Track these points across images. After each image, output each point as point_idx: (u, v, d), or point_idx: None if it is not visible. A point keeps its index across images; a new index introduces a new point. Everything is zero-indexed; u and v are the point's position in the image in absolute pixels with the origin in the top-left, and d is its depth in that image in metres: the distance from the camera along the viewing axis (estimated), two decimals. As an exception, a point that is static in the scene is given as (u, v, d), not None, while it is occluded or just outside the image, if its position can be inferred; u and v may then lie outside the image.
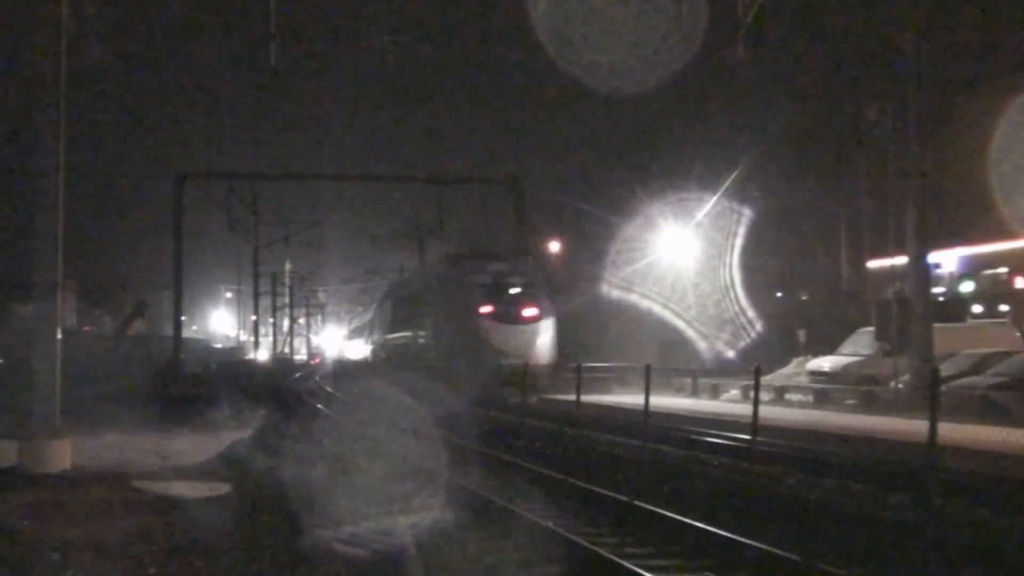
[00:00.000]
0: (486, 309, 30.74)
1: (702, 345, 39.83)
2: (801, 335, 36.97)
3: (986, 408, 21.74)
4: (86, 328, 57.47)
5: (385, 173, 50.73)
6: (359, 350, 57.91)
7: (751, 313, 40.23)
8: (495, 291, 31.09)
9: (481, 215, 59.80)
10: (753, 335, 39.89)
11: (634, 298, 43.57)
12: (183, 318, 51.10)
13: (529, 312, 31.07)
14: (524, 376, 23.95)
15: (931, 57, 26.26)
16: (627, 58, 31.06)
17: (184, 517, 10.80)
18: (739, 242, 39.66)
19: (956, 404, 21.59)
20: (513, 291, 31.35)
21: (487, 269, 31.78)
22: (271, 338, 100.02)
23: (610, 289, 45.55)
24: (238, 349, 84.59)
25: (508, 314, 30.73)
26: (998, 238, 36.18)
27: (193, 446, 18.46)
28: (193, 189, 45.98)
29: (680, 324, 40.29)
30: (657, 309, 41.86)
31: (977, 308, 35.42)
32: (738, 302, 40.03)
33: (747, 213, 38.96)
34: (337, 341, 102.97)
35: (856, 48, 33.16)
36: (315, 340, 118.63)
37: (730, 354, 39.95)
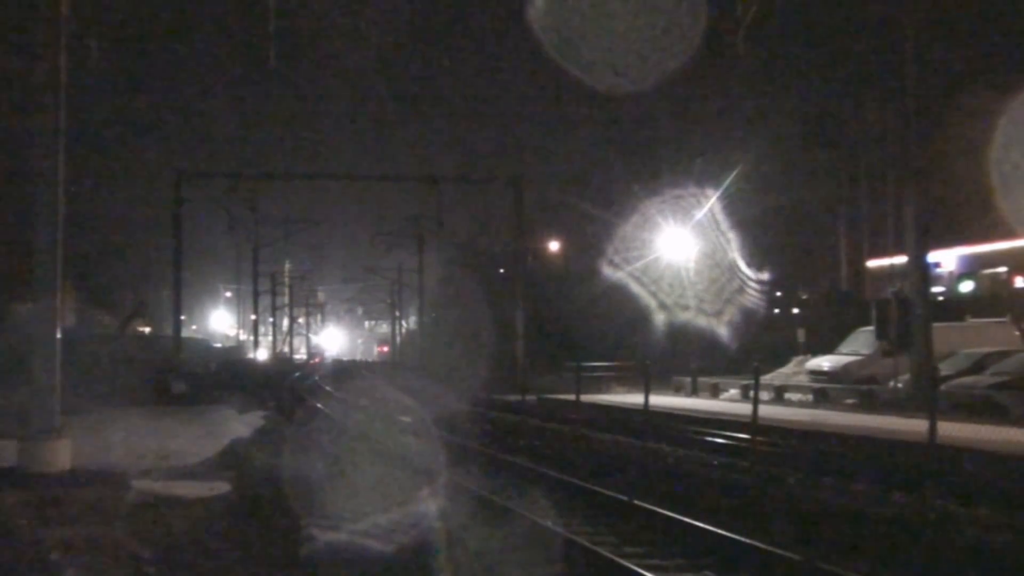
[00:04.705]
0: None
1: (705, 328, 39.69)
2: (801, 335, 36.92)
3: (986, 407, 21.71)
4: (123, 331, 57.24)
5: (385, 173, 50.66)
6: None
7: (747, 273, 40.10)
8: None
9: (482, 214, 59.81)
10: (757, 284, 39.76)
11: (633, 295, 43.54)
12: (183, 318, 51.10)
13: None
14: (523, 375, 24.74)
15: (931, 56, 26.23)
16: (627, 57, 31.05)
17: (184, 517, 10.79)
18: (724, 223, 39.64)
19: (956, 403, 21.57)
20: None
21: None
22: (271, 337, 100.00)
23: (610, 285, 45.51)
24: (238, 349, 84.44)
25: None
26: (998, 237, 36.20)
27: (193, 445, 18.45)
28: (193, 188, 45.96)
29: (680, 319, 40.20)
30: (655, 305, 41.82)
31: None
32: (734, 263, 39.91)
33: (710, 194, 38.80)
34: (340, 341, 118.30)
35: (856, 47, 33.16)
36: (315, 339, 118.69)
37: (728, 339, 39.85)
